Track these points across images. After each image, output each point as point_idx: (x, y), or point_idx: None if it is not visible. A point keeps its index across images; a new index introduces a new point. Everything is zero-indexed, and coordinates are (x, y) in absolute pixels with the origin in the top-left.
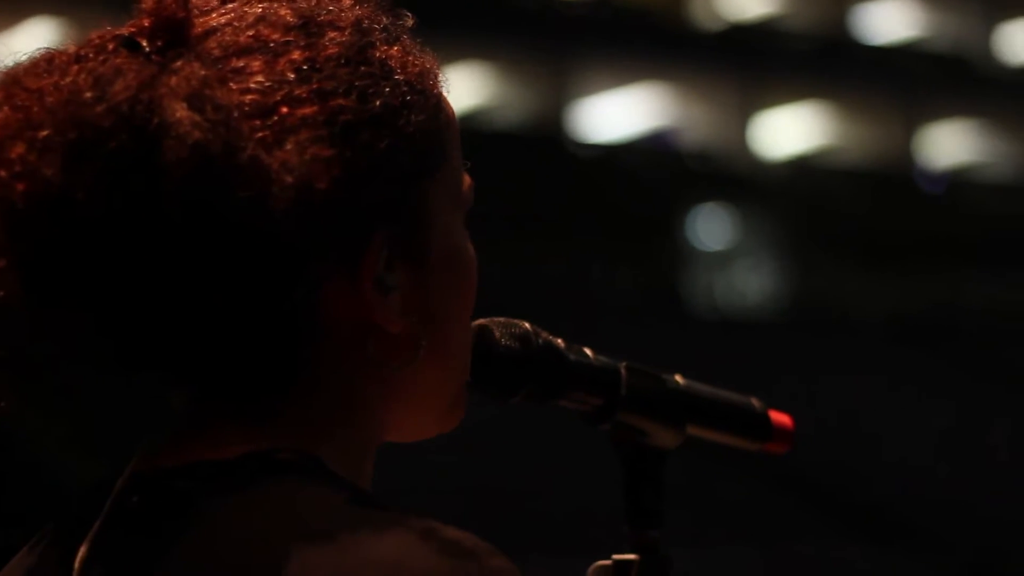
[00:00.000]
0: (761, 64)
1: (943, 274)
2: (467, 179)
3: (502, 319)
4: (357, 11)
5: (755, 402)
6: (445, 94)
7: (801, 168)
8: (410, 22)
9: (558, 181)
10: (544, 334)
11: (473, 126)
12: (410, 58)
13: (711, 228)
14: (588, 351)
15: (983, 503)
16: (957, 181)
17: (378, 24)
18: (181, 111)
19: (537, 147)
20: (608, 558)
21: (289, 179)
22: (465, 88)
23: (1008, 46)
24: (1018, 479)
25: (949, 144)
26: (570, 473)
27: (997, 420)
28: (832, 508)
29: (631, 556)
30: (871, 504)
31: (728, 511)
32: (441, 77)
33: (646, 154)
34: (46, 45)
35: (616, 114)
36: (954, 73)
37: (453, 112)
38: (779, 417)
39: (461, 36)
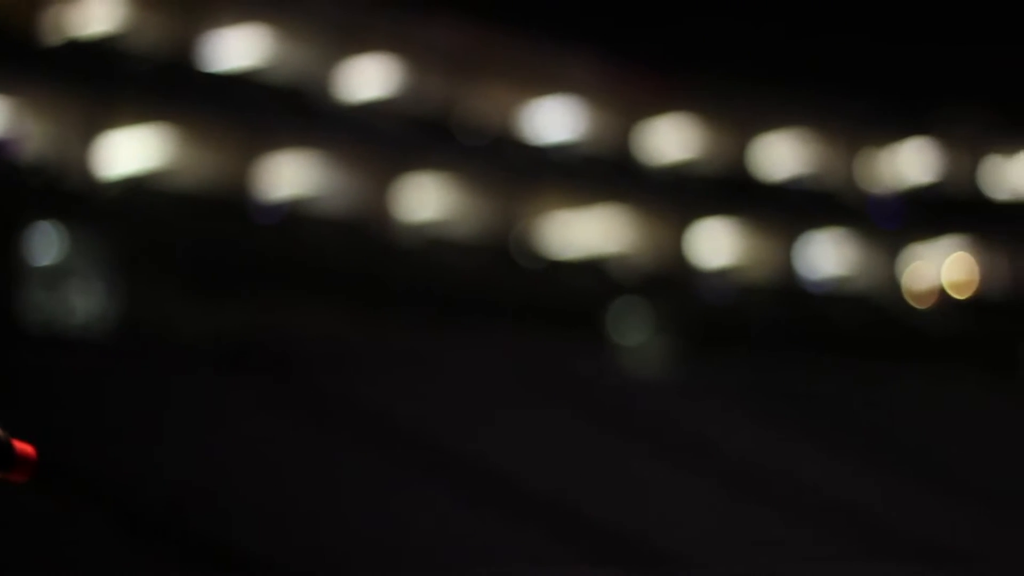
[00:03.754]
0: (103, 82)
1: (273, 301)
2: None
3: None
4: None
5: None
6: None
7: (137, 189)
8: None
9: None
10: None
11: None
12: None
13: (44, 244)
14: None
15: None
16: (293, 211)
17: None
18: None
19: None
20: None
21: None
22: None
23: (347, 83)
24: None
25: (286, 174)
26: None
27: (341, 446)
28: (136, 525)
29: None
30: (181, 525)
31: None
32: None
33: None
34: None
35: None
36: (293, 105)
37: None
38: (23, 447)
39: None
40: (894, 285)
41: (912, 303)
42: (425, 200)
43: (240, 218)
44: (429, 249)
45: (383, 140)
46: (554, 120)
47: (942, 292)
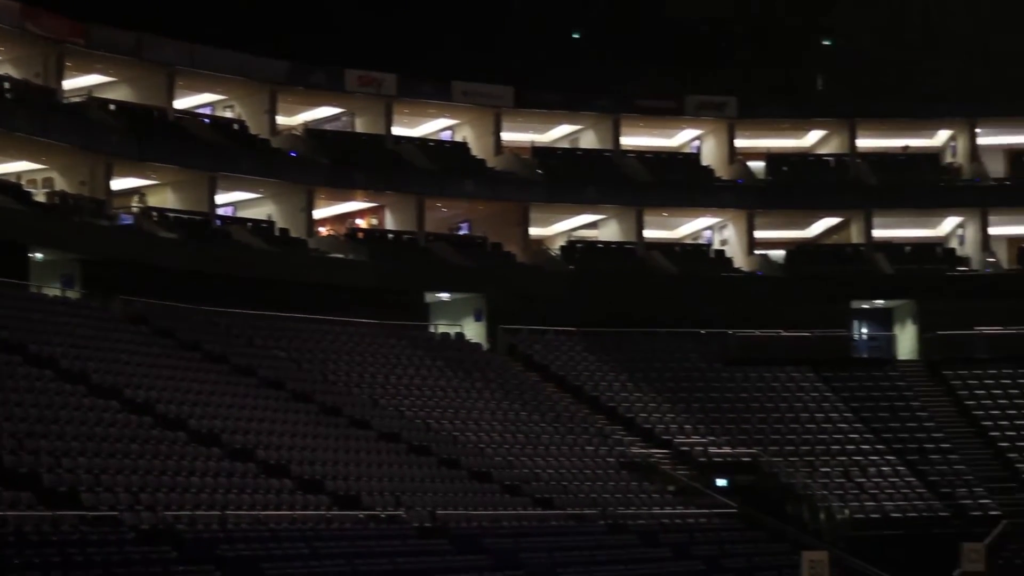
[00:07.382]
0: None
1: None
2: None
3: None
4: None
5: None
6: None
7: None
8: None
9: None
10: None
11: None
12: None
13: None
14: None
15: None
16: None
17: None
18: None
19: None
20: None
21: None
22: None
23: None
24: None
25: None
26: None
27: None
28: None
29: None
30: None
31: None
32: None
33: None
34: None
35: None
36: None
37: None
38: None
39: None
40: (300, 221)
41: (317, 237)
42: None
43: None
44: None
45: None
46: None
47: (348, 228)
